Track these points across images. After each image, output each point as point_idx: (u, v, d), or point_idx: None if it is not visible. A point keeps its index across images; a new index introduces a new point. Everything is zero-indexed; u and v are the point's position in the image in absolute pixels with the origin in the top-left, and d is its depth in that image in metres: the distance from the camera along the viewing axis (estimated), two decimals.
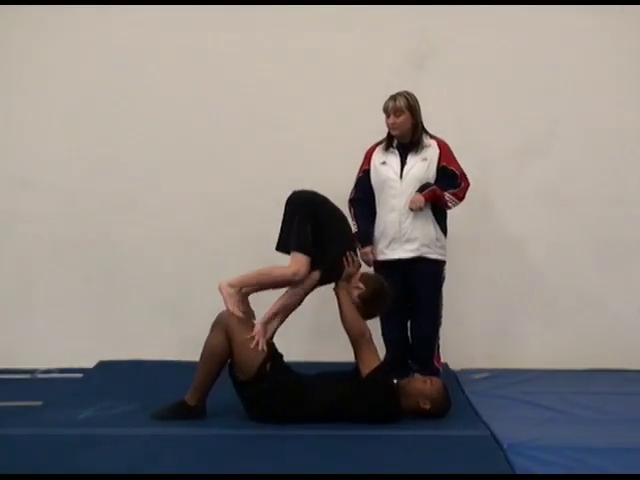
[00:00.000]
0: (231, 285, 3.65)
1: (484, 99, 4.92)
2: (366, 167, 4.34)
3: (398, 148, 4.28)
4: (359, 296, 3.73)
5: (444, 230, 4.30)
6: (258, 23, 4.90)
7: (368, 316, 3.77)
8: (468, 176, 4.28)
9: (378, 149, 4.35)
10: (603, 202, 4.96)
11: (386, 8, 4.84)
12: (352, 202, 4.37)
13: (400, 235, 4.21)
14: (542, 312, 4.99)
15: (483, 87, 4.92)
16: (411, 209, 4.15)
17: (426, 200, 4.15)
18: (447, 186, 4.21)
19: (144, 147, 4.96)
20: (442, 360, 4.45)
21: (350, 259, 3.77)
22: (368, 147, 4.40)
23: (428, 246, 4.23)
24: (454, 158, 4.28)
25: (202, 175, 4.96)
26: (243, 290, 3.70)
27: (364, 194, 4.34)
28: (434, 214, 4.24)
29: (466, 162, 4.32)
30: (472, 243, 4.94)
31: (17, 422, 3.55)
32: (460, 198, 4.25)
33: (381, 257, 4.30)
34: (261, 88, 4.91)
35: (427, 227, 4.22)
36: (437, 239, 4.25)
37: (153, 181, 4.98)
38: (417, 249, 4.21)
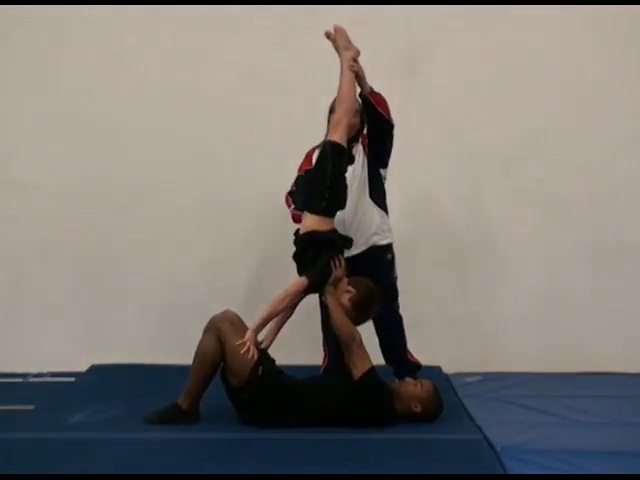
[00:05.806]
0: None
1: (476, 102, 4.93)
2: (307, 167, 4.15)
3: None
4: (350, 300, 3.70)
5: (385, 210, 4.16)
6: (253, 27, 4.90)
7: (359, 321, 3.73)
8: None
9: (318, 150, 4.15)
10: (594, 204, 4.97)
11: (378, 11, 4.85)
12: (291, 194, 4.18)
13: (345, 232, 4.00)
14: (534, 315, 4.99)
15: (475, 90, 4.93)
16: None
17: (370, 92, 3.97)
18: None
19: (137, 150, 4.95)
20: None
21: (337, 262, 3.74)
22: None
23: (377, 234, 4.10)
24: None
25: (195, 178, 4.95)
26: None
27: None
28: (373, 199, 4.10)
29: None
30: (463, 246, 4.95)
31: (8, 426, 3.53)
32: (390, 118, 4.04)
33: None
34: (253, 92, 4.90)
35: (371, 216, 4.09)
36: (383, 223, 4.13)
37: (146, 184, 4.96)
38: (366, 242, 4.09)
